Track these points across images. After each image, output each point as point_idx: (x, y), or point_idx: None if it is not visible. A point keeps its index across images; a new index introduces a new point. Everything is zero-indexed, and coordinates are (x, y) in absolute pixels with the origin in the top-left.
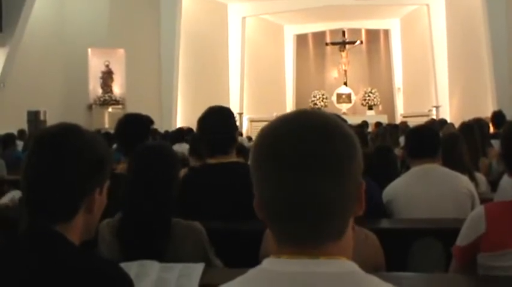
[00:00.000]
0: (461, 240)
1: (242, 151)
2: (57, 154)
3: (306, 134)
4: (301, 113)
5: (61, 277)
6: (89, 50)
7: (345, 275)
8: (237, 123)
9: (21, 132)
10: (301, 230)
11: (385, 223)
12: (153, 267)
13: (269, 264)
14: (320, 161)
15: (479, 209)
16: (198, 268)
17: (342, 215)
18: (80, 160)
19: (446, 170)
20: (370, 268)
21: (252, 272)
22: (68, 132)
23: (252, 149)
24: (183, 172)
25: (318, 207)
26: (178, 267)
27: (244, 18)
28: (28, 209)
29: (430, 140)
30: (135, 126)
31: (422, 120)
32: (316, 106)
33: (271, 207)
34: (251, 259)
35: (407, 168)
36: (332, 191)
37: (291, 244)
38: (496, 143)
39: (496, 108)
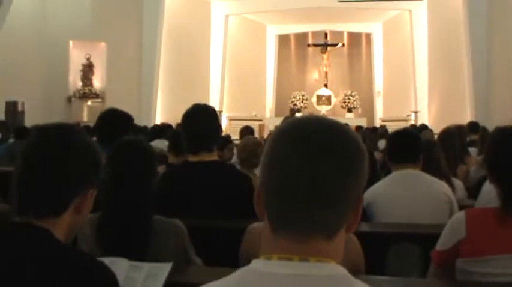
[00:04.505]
0: (441, 244)
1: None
2: (60, 151)
3: (324, 127)
4: (322, 117)
5: (43, 271)
6: (70, 42)
7: (336, 279)
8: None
9: (1, 123)
10: (293, 210)
11: (363, 226)
12: (122, 265)
13: (258, 265)
14: (332, 150)
15: (461, 214)
16: (165, 269)
17: (336, 209)
18: (81, 159)
19: (426, 176)
20: (350, 270)
21: (240, 272)
22: (71, 131)
23: (271, 135)
24: (161, 169)
25: (315, 186)
26: (146, 267)
27: (227, 16)
28: (17, 202)
29: (413, 146)
30: (119, 121)
31: (400, 125)
32: (296, 107)
33: (272, 185)
34: (230, 258)
35: (388, 171)
36: (334, 179)
37: (284, 229)
38: (473, 151)
39: (473, 115)
